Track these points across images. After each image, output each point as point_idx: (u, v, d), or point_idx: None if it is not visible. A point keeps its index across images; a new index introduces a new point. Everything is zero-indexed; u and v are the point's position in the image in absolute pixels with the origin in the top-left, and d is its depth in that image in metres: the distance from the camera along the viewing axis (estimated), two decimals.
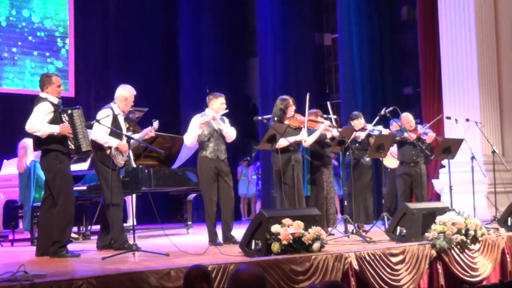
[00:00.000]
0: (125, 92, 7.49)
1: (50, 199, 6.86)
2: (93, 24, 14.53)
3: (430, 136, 9.63)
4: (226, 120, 8.08)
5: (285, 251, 6.06)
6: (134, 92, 7.55)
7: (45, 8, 13.83)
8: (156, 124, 7.88)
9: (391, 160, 10.09)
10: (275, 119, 8.25)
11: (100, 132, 7.22)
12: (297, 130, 8.43)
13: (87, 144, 6.89)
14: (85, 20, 14.37)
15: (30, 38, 13.61)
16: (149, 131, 7.94)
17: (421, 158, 9.59)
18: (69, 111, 6.85)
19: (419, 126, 9.89)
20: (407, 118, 9.72)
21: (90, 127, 7.28)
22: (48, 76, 7.03)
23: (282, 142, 7.99)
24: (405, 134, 9.46)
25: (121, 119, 7.44)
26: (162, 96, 15.21)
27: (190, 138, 7.95)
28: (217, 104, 7.95)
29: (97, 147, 7.27)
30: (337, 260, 6.20)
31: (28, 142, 8.26)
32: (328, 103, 9.32)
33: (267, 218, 6.24)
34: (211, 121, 7.86)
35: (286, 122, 8.24)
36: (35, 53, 13.66)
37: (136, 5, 15.18)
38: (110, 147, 7.24)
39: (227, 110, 8.02)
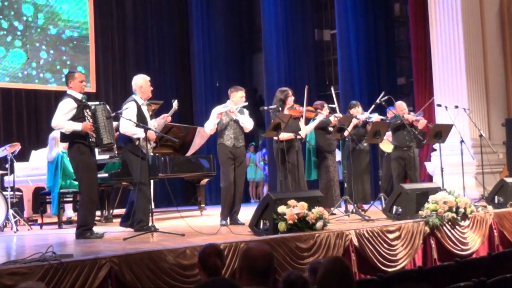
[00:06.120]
0: (139, 81, 7.34)
1: None
2: (112, 25, 14.50)
3: (421, 122, 9.59)
4: (246, 112, 8.05)
5: (291, 230, 6.05)
6: (148, 78, 7.38)
7: (68, 13, 13.78)
8: (175, 104, 7.69)
9: (387, 145, 10.07)
10: (279, 109, 8.22)
11: (127, 126, 7.04)
12: (297, 119, 8.39)
13: (107, 137, 6.74)
14: (104, 22, 14.33)
15: (54, 39, 13.59)
16: (169, 116, 7.79)
17: (413, 143, 9.56)
18: (93, 107, 6.78)
19: (412, 114, 9.88)
20: (401, 106, 9.70)
21: (116, 119, 7.23)
22: (71, 73, 7.01)
23: (284, 135, 7.95)
24: (405, 116, 9.41)
25: (144, 108, 7.28)
26: (177, 90, 15.16)
27: (209, 126, 7.92)
28: (237, 97, 7.92)
29: (126, 139, 7.17)
30: (338, 237, 6.19)
31: (56, 134, 8.23)
32: (332, 90, 9.31)
33: (274, 200, 6.22)
34: (228, 112, 7.84)
35: (286, 111, 8.20)
36: (58, 52, 13.63)
37: (152, 7, 15.15)
38: (138, 138, 7.12)
39: (247, 103, 8.00)
